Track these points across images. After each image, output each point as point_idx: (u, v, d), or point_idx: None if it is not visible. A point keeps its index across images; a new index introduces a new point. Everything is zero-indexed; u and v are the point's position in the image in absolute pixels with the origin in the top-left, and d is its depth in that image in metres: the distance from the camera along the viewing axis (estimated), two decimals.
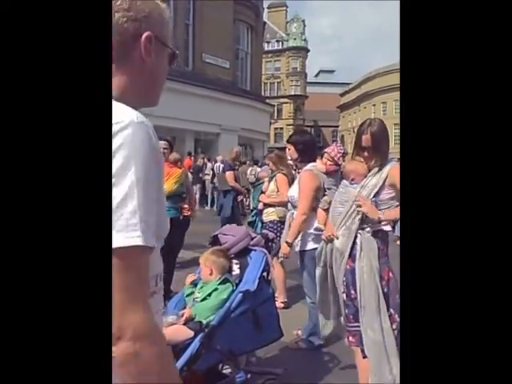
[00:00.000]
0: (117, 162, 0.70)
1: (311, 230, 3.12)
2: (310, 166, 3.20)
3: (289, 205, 3.46)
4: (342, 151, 3.20)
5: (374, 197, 2.18)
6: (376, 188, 2.18)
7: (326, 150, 3.19)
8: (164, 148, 4.16)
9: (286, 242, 3.14)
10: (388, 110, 47.14)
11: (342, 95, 59.29)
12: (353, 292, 2.22)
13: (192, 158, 13.75)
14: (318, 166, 3.18)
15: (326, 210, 3.01)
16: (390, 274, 2.17)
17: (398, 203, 2.18)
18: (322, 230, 3.03)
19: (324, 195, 3.10)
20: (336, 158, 3.10)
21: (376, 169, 2.20)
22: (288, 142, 3.44)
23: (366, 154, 2.22)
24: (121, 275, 0.68)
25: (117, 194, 0.70)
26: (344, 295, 2.29)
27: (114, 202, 0.69)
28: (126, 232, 0.69)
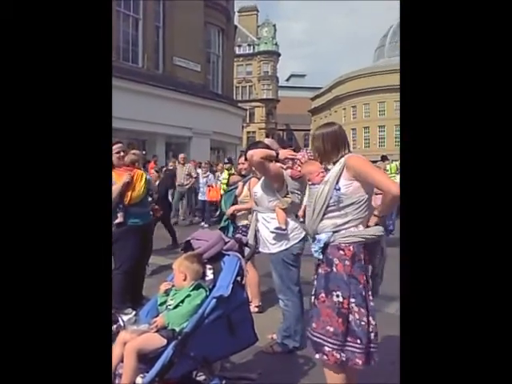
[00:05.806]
0: None
1: (273, 230, 3.14)
2: None
3: (253, 204, 3.47)
4: (312, 157, 3.24)
5: (336, 190, 2.16)
6: (335, 181, 2.17)
7: (297, 157, 3.23)
8: (117, 152, 3.84)
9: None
10: (358, 114, 48.09)
11: (313, 99, 60.03)
12: (322, 296, 2.18)
13: (156, 161, 13.38)
14: (286, 171, 3.25)
15: (285, 210, 3.10)
16: (365, 278, 2.15)
17: (365, 196, 2.16)
18: (283, 229, 3.07)
19: (285, 197, 3.15)
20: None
21: (332, 165, 2.25)
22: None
23: (316, 154, 2.37)
24: None
25: None
26: (313, 299, 2.25)
27: None
28: None
